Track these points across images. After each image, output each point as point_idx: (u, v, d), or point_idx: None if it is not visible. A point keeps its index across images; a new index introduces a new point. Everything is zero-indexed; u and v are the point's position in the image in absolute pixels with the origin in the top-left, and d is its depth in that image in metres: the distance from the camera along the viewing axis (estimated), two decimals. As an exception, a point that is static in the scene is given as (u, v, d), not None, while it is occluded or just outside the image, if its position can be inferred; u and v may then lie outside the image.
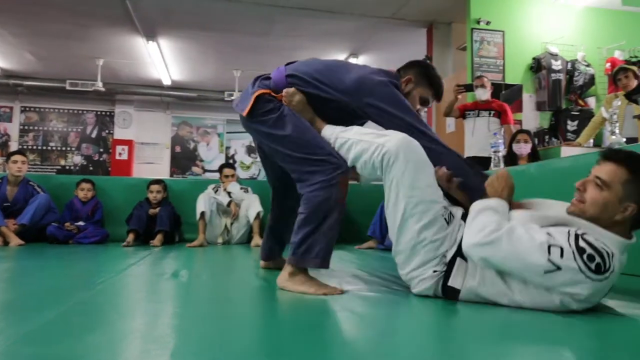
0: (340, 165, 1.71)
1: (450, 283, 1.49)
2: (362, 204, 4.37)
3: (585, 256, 1.25)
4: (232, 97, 8.77)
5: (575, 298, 1.28)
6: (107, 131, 10.04)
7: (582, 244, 1.26)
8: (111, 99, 9.70)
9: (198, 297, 1.72)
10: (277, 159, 1.88)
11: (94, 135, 10.03)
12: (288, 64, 1.94)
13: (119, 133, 9.93)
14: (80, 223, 4.15)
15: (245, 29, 6.56)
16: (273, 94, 1.84)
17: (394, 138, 1.58)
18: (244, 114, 1.84)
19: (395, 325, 1.31)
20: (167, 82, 9.06)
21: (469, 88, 4.41)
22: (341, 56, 7.53)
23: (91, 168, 9.93)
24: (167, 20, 6.31)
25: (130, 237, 3.90)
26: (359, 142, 1.66)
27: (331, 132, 1.79)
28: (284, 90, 1.82)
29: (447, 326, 1.33)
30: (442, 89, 1.94)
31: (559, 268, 1.26)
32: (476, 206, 1.48)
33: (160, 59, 7.81)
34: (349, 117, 1.83)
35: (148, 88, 9.38)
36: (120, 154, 9.76)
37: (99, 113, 10.00)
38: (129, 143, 9.85)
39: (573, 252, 1.25)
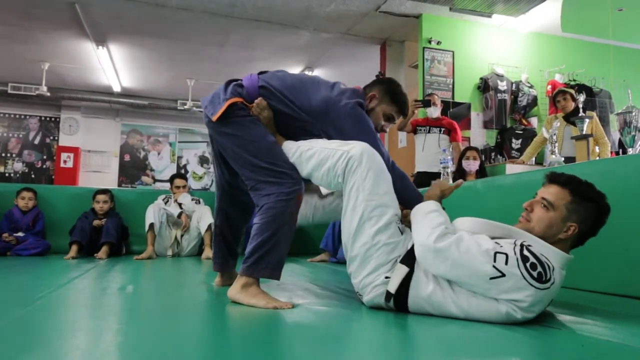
0: (299, 181, 1.76)
1: (388, 287, 1.52)
2: (315, 216, 4.37)
3: (528, 264, 1.32)
4: (185, 106, 8.63)
5: (519, 306, 1.33)
6: (51, 137, 9.62)
7: (526, 252, 1.34)
8: (57, 104, 9.30)
9: (144, 313, 1.67)
10: (236, 163, 1.87)
11: (37, 141, 9.58)
12: (260, 73, 1.94)
13: (64, 140, 9.53)
14: (20, 234, 3.94)
15: (200, 38, 6.49)
16: (245, 102, 1.83)
17: (358, 146, 1.65)
18: (214, 119, 1.82)
19: (345, 340, 1.31)
20: (117, 88, 8.80)
21: (426, 103, 4.54)
22: (297, 69, 7.58)
23: (33, 176, 9.47)
24: (118, 26, 6.15)
25: (73, 249, 3.73)
26: (323, 149, 1.71)
27: (294, 144, 1.83)
28: (256, 101, 1.83)
29: (396, 340, 1.35)
30: (407, 105, 1.98)
31: (503, 275, 1.32)
32: (420, 210, 1.58)
33: (111, 65, 7.59)
34: (312, 137, 1.86)
35: (97, 94, 9.06)
36: (65, 161, 9.35)
37: (43, 118, 9.58)
38: (74, 150, 9.46)
39: (517, 260, 1.32)
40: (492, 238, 1.45)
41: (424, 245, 1.43)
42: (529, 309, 1.34)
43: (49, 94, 7.94)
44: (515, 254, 1.33)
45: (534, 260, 1.32)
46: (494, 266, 1.33)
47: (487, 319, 1.38)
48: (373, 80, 1.99)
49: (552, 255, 1.39)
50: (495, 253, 1.34)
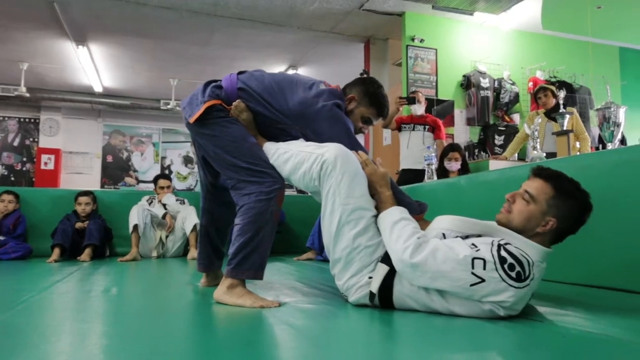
0: (279, 180, 1.76)
1: (370, 287, 1.53)
2: (301, 215, 4.38)
3: (506, 266, 1.33)
4: (169, 106, 8.56)
5: (502, 305, 1.35)
6: (31, 139, 9.46)
7: (503, 253, 1.35)
8: (36, 105, 9.15)
9: (129, 315, 1.65)
10: (216, 163, 1.87)
11: (16, 143, 9.42)
12: (240, 73, 1.92)
13: (44, 141, 9.38)
14: (0, 238, 3.87)
15: (183, 37, 6.44)
16: (224, 104, 1.82)
17: (332, 149, 1.63)
18: (191, 121, 1.82)
19: (331, 337, 1.32)
20: (98, 88, 8.69)
21: (411, 100, 4.57)
22: (281, 68, 7.57)
23: (13, 178, 9.30)
24: (98, 24, 6.07)
25: (56, 252, 3.68)
26: (299, 153, 1.70)
27: (274, 145, 1.82)
28: (234, 104, 1.82)
29: (383, 336, 1.36)
30: (386, 108, 1.95)
31: (483, 280, 1.33)
32: (385, 220, 1.55)
33: (91, 65, 7.49)
34: (292, 138, 1.85)
35: (77, 95, 8.94)
36: (45, 163, 9.21)
37: (22, 120, 9.41)
38: (55, 152, 9.32)
39: (495, 263, 1.33)
40: (470, 236, 1.47)
41: (401, 262, 1.43)
42: (512, 307, 1.36)
43: (28, 94, 7.81)
44: (492, 256, 1.34)
45: (512, 261, 1.33)
46: (472, 273, 1.33)
47: (470, 315, 1.40)
48: (354, 80, 1.97)
49: (530, 250, 1.40)
50: (473, 259, 1.34)
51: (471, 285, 1.34)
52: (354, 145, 1.74)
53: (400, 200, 1.70)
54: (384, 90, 1.96)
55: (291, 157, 1.72)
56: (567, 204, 1.44)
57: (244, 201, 1.73)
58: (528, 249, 1.40)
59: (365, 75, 6.32)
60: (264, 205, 1.70)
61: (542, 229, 1.44)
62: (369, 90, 1.91)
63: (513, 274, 1.32)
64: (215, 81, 1.91)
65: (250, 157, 1.77)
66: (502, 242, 1.39)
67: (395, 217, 1.55)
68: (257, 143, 1.83)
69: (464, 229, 1.50)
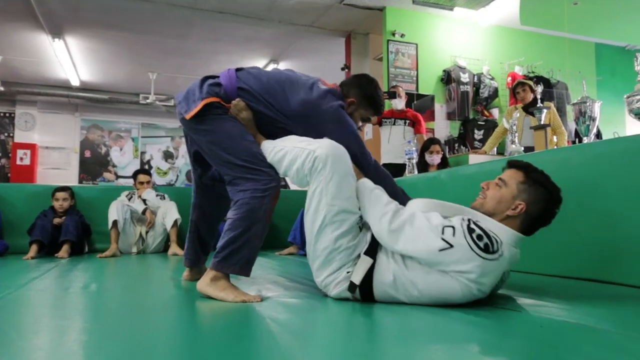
0: (276, 178, 1.75)
1: (352, 278, 1.56)
2: (283, 210, 4.36)
3: (474, 235, 1.40)
4: (148, 100, 8.44)
5: (468, 277, 1.39)
6: (6, 134, 9.25)
7: (472, 225, 1.43)
8: (11, 99, 8.95)
9: (110, 310, 1.63)
10: (211, 159, 1.85)
11: (-10, 138, 9.21)
12: (238, 69, 1.89)
13: (20, 136, 9.18)
14: (-26, 235, 3.78)
15: (162, 30, 6.36)
16: (222, 102, 1.79)
17: (325, 145, 1.63)
18: (187, 117, 1.78)
19: (314, 331, 1.33)
20: (75, 82, 8.52)
21: (391, 95, 4.61)
22: (261, 62, 7.53)
23: (-13, 174, 9.09)
24: (75, 17, 5.94)
25: (33, 249, 3.61)
26: (293, 148, 1.70)
27: (270, 143, 1.81)
28: (233, 102, 1.80)
29: (364, 328, 1.37)
30: (383, 106, 2.03)
31: (451, 245, 1.40)
32: (363, 187, 1.66)
33: (68, 58, 7.34)
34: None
35: (54, 88, 8.76)
36: (21, 158, 9.01)
37: (-4, 114, 9.19)
38: (31, 147, 9.13)
39: (463, 232, 1.41)
40: (444, 217, 1.52)
41: (381, 228, 1.52)
42: (479, 280, 1.40)
43: (2, 88, 7.65)
44: (461, 226, 1.42)
45: (480, 232, 1.41)
46: (442, 238, 1.41)
47: (446, 296, 1.44)
48: (352, 80, 1.98)
49: (499, 231, 1.47)
50: (444, 227, 1.43)
51: (440, 250, 1.41)
52: (360, 147, 1.77)
53: (398, 196, 1.77)
54: (380, 89, 2.01)
55: (286, 154, 1.71)
56: (536, 190, 1.51)
57: (239, 197, 1.71)
58: (497, 229, 1.47)
59: (346, 70, 6.33)
60: (258, 202, 1.68)
61: (512, 212, 1.51)
62: (367, 94, 1.95)
63: (481, 245, 1.39)
64: (213, 77, 1.86)
65: (247, 155, 1.74)
66: (473, 219, 1.48)
67: (370, 185, 1.67)
68: (254, 141, 1.81)
69: (438, 211, 1.56)
